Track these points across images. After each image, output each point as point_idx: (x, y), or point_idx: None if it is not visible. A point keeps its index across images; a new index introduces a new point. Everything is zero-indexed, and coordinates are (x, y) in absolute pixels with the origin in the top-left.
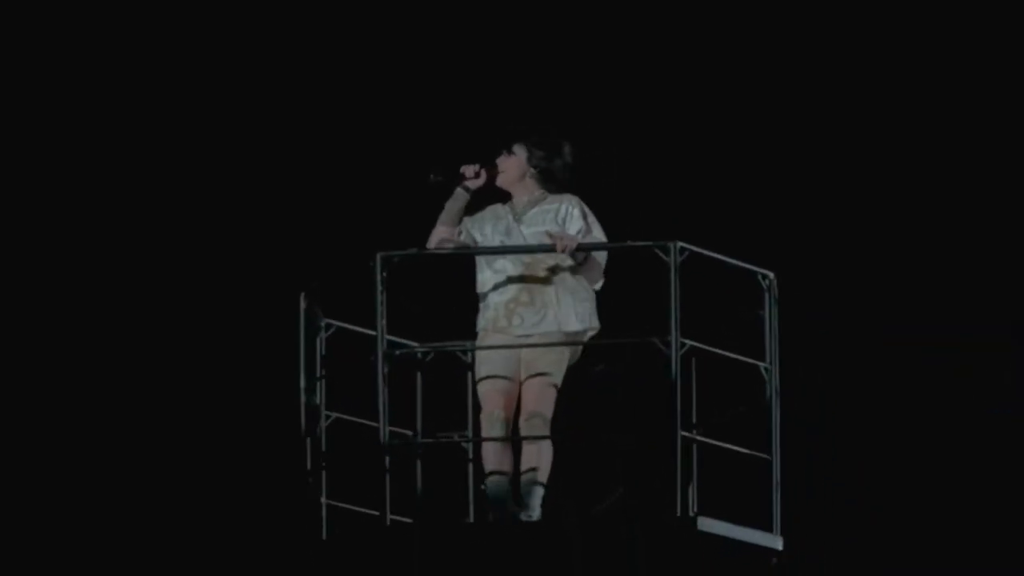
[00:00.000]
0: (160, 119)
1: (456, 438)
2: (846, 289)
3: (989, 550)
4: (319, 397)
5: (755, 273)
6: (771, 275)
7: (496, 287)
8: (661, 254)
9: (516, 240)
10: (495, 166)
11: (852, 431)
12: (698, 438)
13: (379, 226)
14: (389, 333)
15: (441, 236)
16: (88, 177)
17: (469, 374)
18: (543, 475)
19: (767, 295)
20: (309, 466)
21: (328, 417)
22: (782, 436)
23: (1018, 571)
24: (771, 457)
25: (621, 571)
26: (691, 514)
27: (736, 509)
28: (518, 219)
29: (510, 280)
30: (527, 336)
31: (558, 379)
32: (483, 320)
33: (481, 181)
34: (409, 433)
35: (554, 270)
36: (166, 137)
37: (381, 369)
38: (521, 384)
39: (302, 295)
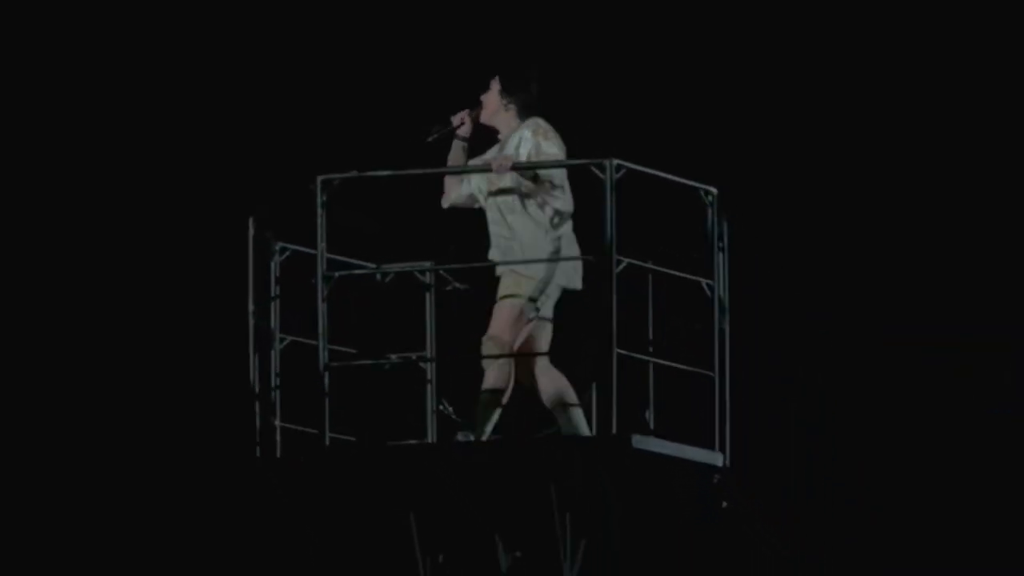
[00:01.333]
0: (109, 46)
1: (414, 358)
2: (846, 288)
3: (988, 549)
4: (272, 320)
5: (698, 189)
6: (714, 191)
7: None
8: (597, 171)
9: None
10: (479, 105)
11: (851, 429)
12: (638, 356)
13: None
14: (356, 257)
15: (450, 191)
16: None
17: (427, 295)
18: (495, 396)
19: (710, 211)
20: (259, 388)
21: (283, 340)
22: (732, 357)
23: (1018, 571)
24: (714, 374)
25: (561, 493)
26: (638, 433)
27: (694, 431)
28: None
29: (487, 213)
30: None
31: (520, 302)
32: None
33: (470, 125)
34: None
35: (512, 197)
36: (111, 65)
37: (320, 291)
38: None
39: (250, 220)
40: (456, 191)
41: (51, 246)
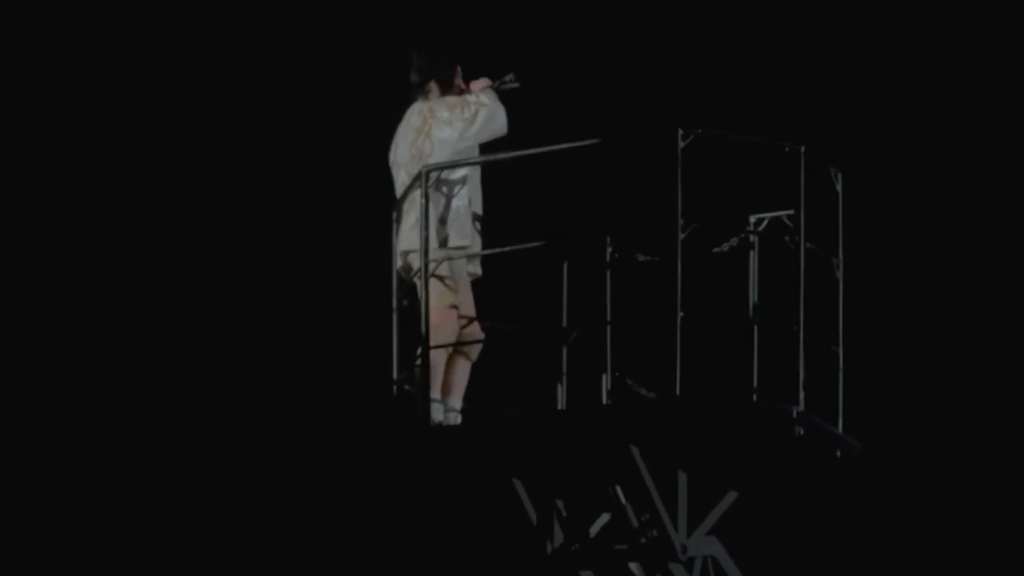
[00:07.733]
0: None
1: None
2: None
3: None
4: None
5: (783, 147)
6: (802, 148)
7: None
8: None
9: None
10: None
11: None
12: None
13: None
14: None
15: None
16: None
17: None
18: None
19: (800, 168)
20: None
21: None
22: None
23: None
24: (799, 328)
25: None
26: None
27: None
28: None
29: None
30: None
31: None
32: None
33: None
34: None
35: None
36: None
37: (425, 276)
38: None
39: None
40: None
41: (233, 240)
